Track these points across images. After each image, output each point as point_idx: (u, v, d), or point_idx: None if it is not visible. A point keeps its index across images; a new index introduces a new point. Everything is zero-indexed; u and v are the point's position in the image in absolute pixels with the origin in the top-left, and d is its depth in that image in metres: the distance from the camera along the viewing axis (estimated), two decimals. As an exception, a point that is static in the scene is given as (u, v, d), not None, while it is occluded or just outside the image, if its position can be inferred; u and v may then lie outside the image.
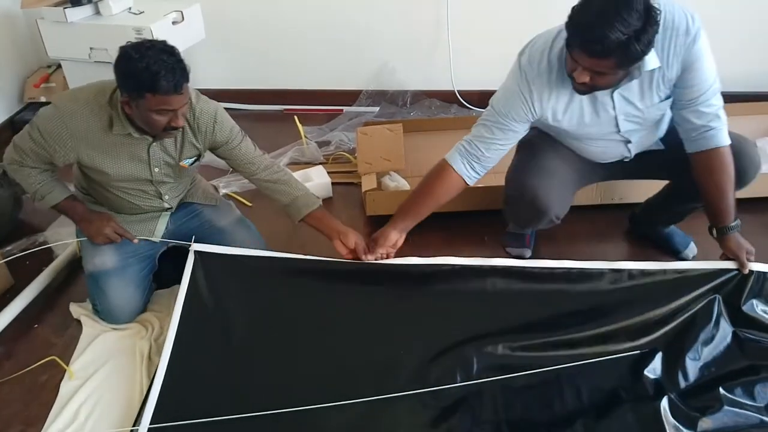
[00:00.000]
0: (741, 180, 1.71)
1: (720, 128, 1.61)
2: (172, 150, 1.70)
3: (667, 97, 1.60)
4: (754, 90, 2.92)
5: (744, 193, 2.17)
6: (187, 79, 1.49)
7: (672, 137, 1.72)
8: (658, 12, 1.34)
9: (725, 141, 1.61)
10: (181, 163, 1.73)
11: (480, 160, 1.67)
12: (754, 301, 1.64)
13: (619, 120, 1.62)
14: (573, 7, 1.37)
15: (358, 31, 3.03)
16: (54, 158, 1.63)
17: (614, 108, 1.60)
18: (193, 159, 1.76)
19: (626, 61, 1.37)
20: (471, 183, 1.71)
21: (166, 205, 1.84)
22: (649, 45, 1.36)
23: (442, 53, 3.02)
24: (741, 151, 1.68)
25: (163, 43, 1.48)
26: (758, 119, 2.55)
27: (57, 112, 1.58)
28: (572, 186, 1.80)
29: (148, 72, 1.42)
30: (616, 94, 1.58)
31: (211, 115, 1.69)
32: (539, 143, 1.77)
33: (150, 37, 2.52)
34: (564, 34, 1.51)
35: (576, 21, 1.36)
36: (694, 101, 1.57)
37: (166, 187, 1.79)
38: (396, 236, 1.73)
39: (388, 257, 1.74)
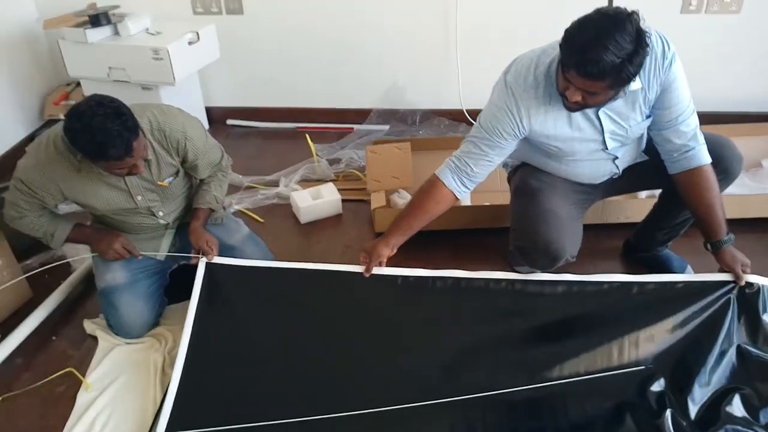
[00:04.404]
0: (728, 176, 1.75)
1: (699, 148, 1.66)
2: (149, 176, 1.73)
3: (648, 117, 1.65)
4: (760, 110, 2.95)
5: (745, 213, 2.20)
6: (136, 135, 1.49)
7: (653, 146, 1.76)
8: (648, 35, 1.38)
9: (706, 159, 1.66)
10: (159, 182, 1.75)
11: (469, 176, 1.70)
12: (762, 317, 1.63)
13: (606, 138, 1.66)
14: (567, 29, 1.40)
15: (368, 50, 3.08)
16: (45, 203, 1.69)
17: (601, 126, 1.63)
18: (172, 177, 1.79)
19: (618, 82, 1.41)
20: (461, 197, 1.75)
21: (162, 222, 1.88)
22: (640, 67, 1.40)
23: (451, 73, 3.06)
24: (722, 147, 1.73)
25: (108, 104, 1.45)
26: (765, 139, 2.56)
27: (32, 161, 1.63)
28: (578, 219, 1.81)
29: (94, 144, 1.44)
30: (602, 113, 1.61)
31: (181, 131, 1.71)
32: (533, 183, 1.78)
33: (165, 58, 2.60)
34: (549, 53, 1.56)
35: (571, 43, 1.39)
36: (674, 121, 1.63)
37: (155, 208, 1.83)
38: (387, 251, 1.76)
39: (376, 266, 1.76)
